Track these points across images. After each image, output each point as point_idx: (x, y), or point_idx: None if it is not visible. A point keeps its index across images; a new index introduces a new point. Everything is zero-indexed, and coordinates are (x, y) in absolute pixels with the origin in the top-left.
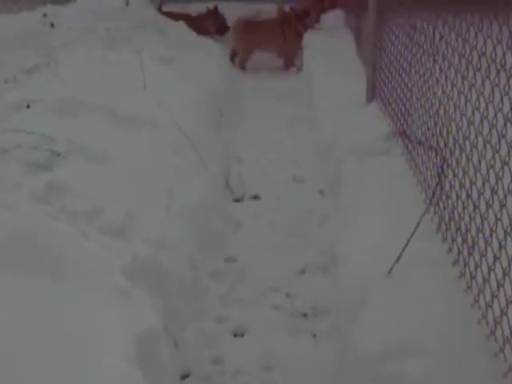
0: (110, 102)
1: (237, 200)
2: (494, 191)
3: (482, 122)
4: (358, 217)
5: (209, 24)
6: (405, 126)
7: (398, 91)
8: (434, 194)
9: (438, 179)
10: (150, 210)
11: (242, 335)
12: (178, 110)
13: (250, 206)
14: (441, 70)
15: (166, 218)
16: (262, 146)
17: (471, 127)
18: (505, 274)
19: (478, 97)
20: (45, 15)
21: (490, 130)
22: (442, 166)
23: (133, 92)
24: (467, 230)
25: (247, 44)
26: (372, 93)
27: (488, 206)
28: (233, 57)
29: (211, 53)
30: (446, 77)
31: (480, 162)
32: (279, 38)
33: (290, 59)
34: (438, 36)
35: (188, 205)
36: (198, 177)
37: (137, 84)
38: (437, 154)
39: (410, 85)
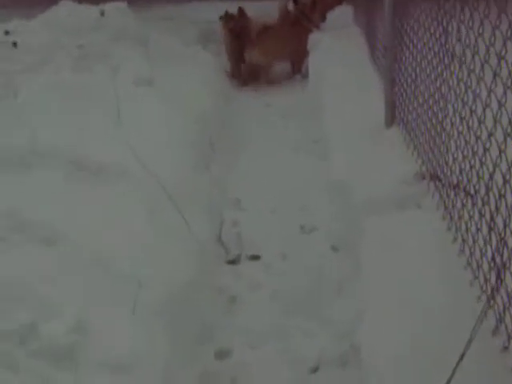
0: (74, 148)
1: (231, 261)
2: None
3: None
4: (383, 291)
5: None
6: (436, 165)
7: (425, 116)
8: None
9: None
10: (111, 312)
11: None
12: (158, 150)
13: (248, 269)
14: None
15: (131, 321)
16: (262, 186)
17: None
18: None
19: None
20: (6, 33)
21: None
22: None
23: (104, 129)
24: None
25: (272, 55)
26: (392, 115)
27: None
28: (255, 73)
29: (200, 65)
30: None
31: None
32: (295, 44)
33: (299, 64)
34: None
35: (164, 291)
36: (180, 242)
37: (109, 117)
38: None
39: (441, 105)
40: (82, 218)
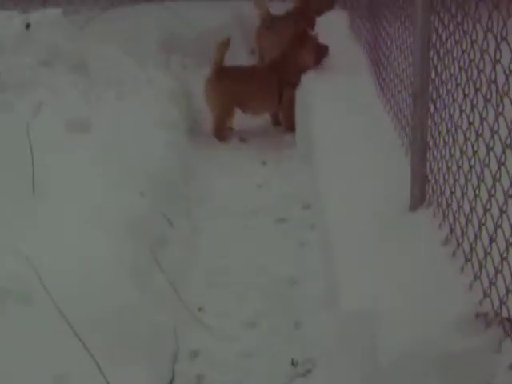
0: None
1: None
2: None
3: None
4: None
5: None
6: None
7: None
8: None
9: None
10: None
11: None
12: (89, 251)
13: None
14: None
15: None
16: (234, 286)
17: None
18: None
19: None
20: None
21: None
22: None
23: (7, 219)
24: None
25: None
26: (421, 193)
27: None
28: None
29: (157, 96)
30: None
31: None
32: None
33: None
34: None
35: None
36: None
37: (21, 192)
38: None
39: None
40: None
